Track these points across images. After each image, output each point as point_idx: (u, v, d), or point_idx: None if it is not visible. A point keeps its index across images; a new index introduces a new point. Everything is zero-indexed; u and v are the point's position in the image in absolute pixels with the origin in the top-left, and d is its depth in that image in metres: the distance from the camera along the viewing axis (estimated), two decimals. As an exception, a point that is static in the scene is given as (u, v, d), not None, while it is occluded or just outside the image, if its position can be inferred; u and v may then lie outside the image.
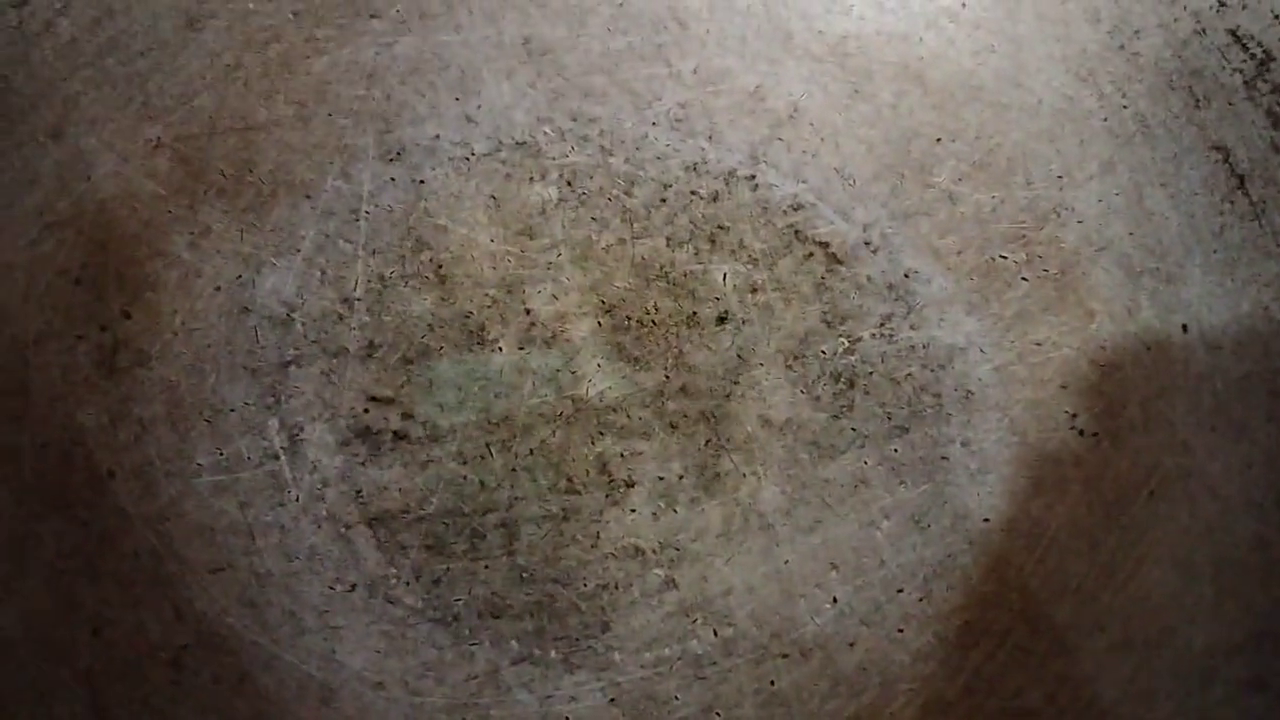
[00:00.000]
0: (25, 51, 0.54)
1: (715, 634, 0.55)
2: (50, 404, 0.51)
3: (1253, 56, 0.60)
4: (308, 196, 0.56)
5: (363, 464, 0.54)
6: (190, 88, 0.56)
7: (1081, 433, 0.58)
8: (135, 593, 0.50)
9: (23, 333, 0.52)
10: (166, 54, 0.56)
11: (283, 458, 0.54)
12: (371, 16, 0.59)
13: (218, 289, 0.55)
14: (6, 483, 0.50)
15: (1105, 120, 0.60)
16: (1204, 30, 0.60)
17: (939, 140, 0.61)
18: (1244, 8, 0.60)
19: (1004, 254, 0.60)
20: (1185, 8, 0.60)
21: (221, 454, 0.53)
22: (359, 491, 0.54)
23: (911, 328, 0.59)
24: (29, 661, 0.49)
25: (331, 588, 0.53)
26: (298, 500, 0.54)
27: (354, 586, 0.53)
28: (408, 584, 0.54)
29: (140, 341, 0.53)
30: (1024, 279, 0.59)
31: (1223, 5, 0.60)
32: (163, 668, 0.50)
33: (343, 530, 0.54)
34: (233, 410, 0.54)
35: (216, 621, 0.51)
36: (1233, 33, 0.60)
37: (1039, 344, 0.59)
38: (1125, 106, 0.60)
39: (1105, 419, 0.58)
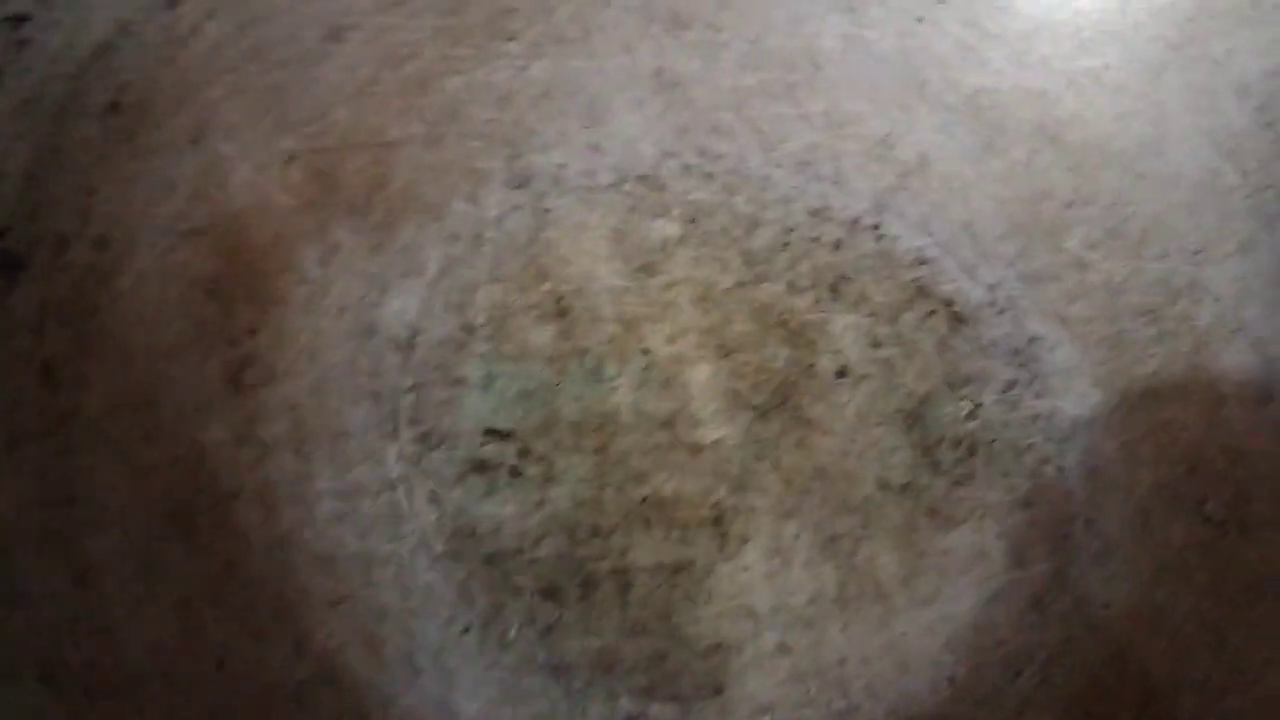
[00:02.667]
0: (173, 54, 0.54)
1: (830, 705, 0.54)
2: (178, 420, 0.51)
3: (1406, 146, 0.59)
4: (436, 219, 0.56)
5: (478, 499, 0.53)
6: (327, 100, 0.56)
7: (1209, 520, 0.56)
8: (257, 624, 0.50)
9: (156, 343, 0.51)
10: (306, 64, 0.56)
11: (399, 489, 0.53)
12: (508, 39, 0.58)
13: (344, 309, 0.54)
14: (138, 503, 0.49)
15: (1248, 198, 0.59)
16: (1357, 115, 0.59)
17: (1071, 204, 0.60)
18: (1401, 95, 0.59)
19: (1133, 327, 0.58)
20: (1339, 90, 0.59)
21: (341, 481, 0.53)
22: (474, 529, 0.53)
23: (1036, 396, 0.57)
24: (159, 695, 0.48)
25: (447, 627, 0.52)
26: (414, 533, 0.53)
27: (468, 628, 0.52)
28: (521, 628, 0.53)
29: (268, 358, 0.53)
30: (1153, 355, 0.58)
31: (1378, 90, 0.59)
32: (284, 703, 0.49)
33: (458, 569, 0.53)
34: (353, 436, 0.53)
35: (335, 657, 0.50)
36: (1387, 120, 0.59)
37: (1167, 423, 0.57)
38: (1269, 186, 0.59)
39: (1234, 507, 0.56)
